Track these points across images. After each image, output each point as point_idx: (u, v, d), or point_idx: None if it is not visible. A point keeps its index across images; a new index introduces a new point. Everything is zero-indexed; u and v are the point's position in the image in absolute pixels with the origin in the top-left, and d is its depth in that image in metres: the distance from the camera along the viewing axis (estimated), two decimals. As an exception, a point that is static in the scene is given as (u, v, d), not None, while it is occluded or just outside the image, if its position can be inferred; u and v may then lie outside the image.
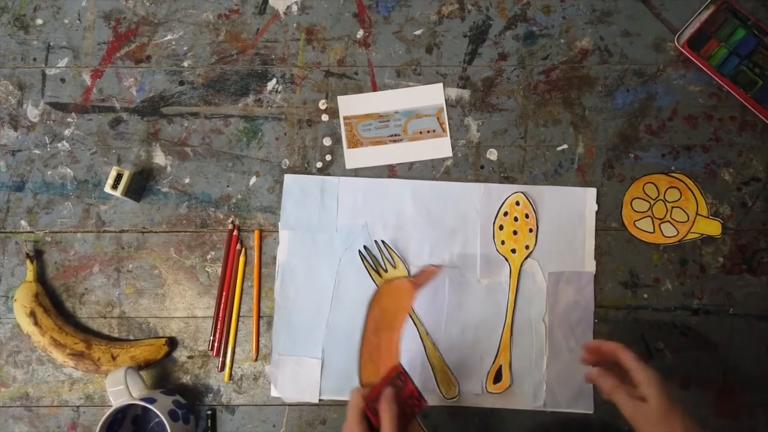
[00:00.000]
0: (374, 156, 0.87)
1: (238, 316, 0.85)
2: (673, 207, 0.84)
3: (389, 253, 0.84)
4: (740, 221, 0.85)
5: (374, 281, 0.84)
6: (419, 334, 0.84)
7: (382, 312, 0.81)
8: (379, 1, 0.89)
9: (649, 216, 0.84)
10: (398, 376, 0.72)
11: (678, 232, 0.84)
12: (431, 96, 0.88)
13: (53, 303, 0.85)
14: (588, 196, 0.86)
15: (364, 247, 0.85)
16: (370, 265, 0.84)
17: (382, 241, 0.85)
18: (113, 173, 0.82)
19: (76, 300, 0.86)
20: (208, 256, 0.86)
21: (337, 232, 0.86)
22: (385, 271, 0.84)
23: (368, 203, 0.86)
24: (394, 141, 0.88)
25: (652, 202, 0.84)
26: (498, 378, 0.83)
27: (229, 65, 0.89)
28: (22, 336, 0.84)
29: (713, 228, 0.84)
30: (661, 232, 0.84)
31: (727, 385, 0.83)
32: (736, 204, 0.86)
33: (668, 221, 0.84)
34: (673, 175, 0.85)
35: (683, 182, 0.85)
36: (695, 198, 0.84)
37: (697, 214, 0.83)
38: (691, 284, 0.85)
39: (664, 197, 0.84)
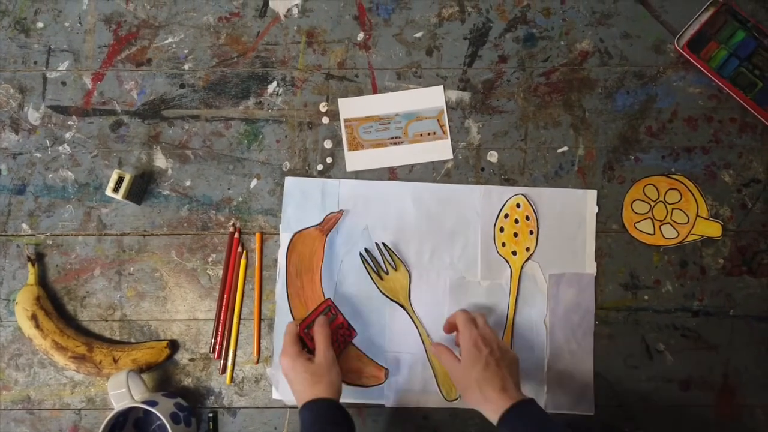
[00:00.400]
0: (375, 158, 0.88)
1: (240, 318, 0.85)
2: (673, 209, 0.84)
3: (390, 255, 0.85)
4: (740, 223, 0.86)
5: (375, 284, 0.84)
6: (420, 335, 0.84)
7: (299, 257, 0.84)
8: (379, 3, 0.90)
9: (650, 218, 0.84)
10: (329, 309, 0.81)
11: (678, 234, 0.84)
12: (431, 98, 0.88)
13: (54, 306, 0.85)
14: (588, 198, 0.86)
15: (365, 249, 0.85)
16: (371, 268, 0.84)
17: (383, 244, 0.85)
18: (114, 176, 0.82)
19: (78, 303, 0.86)
20: (209, 259, 0.86)
21: (337, 234, 0.86)
22: (386, 273, 0.84)
23: (369, 206, 0.86)
24: (395, 143, 0.88)
25: (653, 203, 0.84)
26: (499, 380, 0.83)
27: (230, 68, 0.89)
28: (24, 339, 0.84)
29: (713, 230, 0.84)
30: (662, 233, 0.84)
31: (727, 386, 0.83)
32: (736, 205, 0.86)
33: (668, 223, 0.84)
34: (674, 176, 0.85)
35: (683, 184, 0.85)
36: (695, 200, 0.84)
37: (697, 215, 0.84)
38: (691, 286, 0.85)
39: (665, 199, 0.84)
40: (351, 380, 0.82)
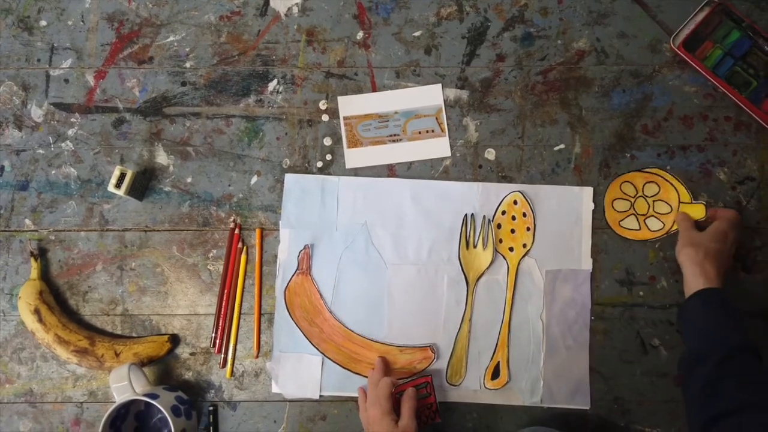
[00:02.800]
0: (374, 156, 0.89)
1: (240, 313, 0.86)
2: (654, 201, 0.85)
3: (488, 234, 0.85)
4: (735, 220, 0.87)
5: (459, 250, 0.85)
6: (463, 316, 0.85)
7: (302, 308, 0.86)
8: (378, 3, 0.91)
9: (633, 213, 0.85)
10: (425, 385, 0.80)
11: (664, 225, 0.85)
12: (430, 96, 0.89)
13: (57, 301, 0.86)
14: (585, 195, 0.87)
15: (472, 215, 0.86)
16: (465, 234, 0.85)
17: (489, 220, 0.86)
18: (116, 172, 0.83)
19: (80, 298, 0.87)
20: (210, 255, 0.87)
21: (337, 230, 0.87)
22: (475, 246, 0.85)
23: (368, 202, 0.87)
24: (394, 141, 0.89)
25: (633, 199, 0.86)
26: (496, 374, 0.84)
27: (231, 66, 0.90)
28: (27, 333, 0.85)
29: (698, 211, 0.85)
30: (647, 227, 0.85)
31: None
32: (730, 203, 0.87)
33: (652, 215, 0.85)
34: (647, 171, 0.86)
35: (659, 175, 0.86)
36: (674, 188, 0.85)
37: (679, 202, 0.85)
38: (686, 282, 0.86)
39: (643, 193, 0.86)
40: (405, 374, 0.84)
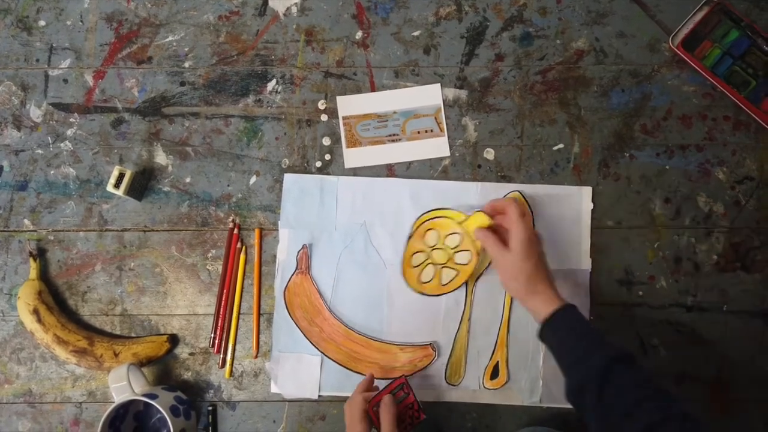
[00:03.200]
0: (373, 155, 0.89)
1: (239, 313, 0.86)
2: (444, 241, 0.84)
3: None
4: (734, 219, 0.87)
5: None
6: (462, 316, 0.85)
7: (302, 308, 0.86)
8: (377, 2, 0.91)
9: (431, 264, 0.85)
10: (401, 387, 0.78)
11: (470, 252, 0.83)
12: (429, 96, 0.89)
13: (56, 301, 0.86)
14: (584, 195, 0.87)
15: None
16: None
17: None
18: (115, 172, 0.83)
19: (79, 298, 0.87)
20: (209, 255, 0.87)
21: (336, 230, 0.87)
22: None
23: (367, 202, 0.87)
24: (393, 141, 0.89)
25: (428, 258, 0.85)
26: (495, 374, 0.84)
27: (230, 66, 0.90)
28: (26, 333, 0.85)
29: (481, 219, 0.81)
30: (457, 261, 0.84)
31: (720, 381, 0.84)
32: (729, 202, 0.87)
33: (456, 253, 0.84)
34: (415, 228, 0.85)
35: (428, 220, 0.85)
36: (447, 217, 0.84)
37: (459, 224, 0.84)
38: (685, 282, 0.86)
39: (429, 245, 0.85)
40: (406, 372, 0.84)
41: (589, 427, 0.65)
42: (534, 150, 0.88)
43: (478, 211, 0.82)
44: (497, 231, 0.80)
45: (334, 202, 0.88)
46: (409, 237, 0.86)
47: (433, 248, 0.85)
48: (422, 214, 0.86)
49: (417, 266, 0.85)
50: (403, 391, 0.78)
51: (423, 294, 0.85)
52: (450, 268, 0.84)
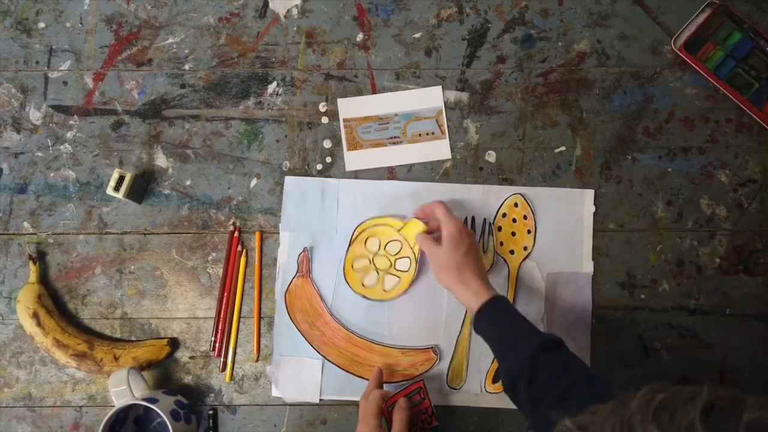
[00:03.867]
0: (374, 158, 0.88)
1: (239, 316, 0.86)
2: (385, 248, 0.85)
3: (488, 238, 0.85)
4: (736, 222, 0.86)
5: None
6: (464, 319, 0.85)
7: (303, 312, 0.85)
8: (378, 4, 0.90)
9: (374, 270, 0.85)
10: (418, 391, 0.79)
11: (410, 259, 0.84)
12: (430, 98, 0.89)
13: (56, 304, 0.85)
14: (586, 198, 0.87)
15: (472, 218, 0.85)
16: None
17: (489, 224, 0.86)
18: (115, 175, 0.82)
19: (79, 301, 0.86)
20: (210, 258, 0.87)
21: (337, 233, 0.87)
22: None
23: (368, 205, 0.87)
24: (394, 143, 0.88)
25: (371, 263, 0.85)
26: (497, 378, 0.84)
27: (230, 68, 0.90)
28: (25, 337, 0.85)
29: (417, 226, 0.83)
30: (397, 268, 0.85)
31: (723, 385, 0.83)
32: (732, 205, 0.87)
33: (397, 259, 0.84)
34: (356, 235, 0.85)
35: (368, 228, 0.85)
36: (386, 225, 0.84)
37: (398, 231, 0.84)
38: (687, 285, 0.86)
39: (371, 251, 0.85)
40: (407, 376, 0.84)
41: (526, 417, 0.67)
42: (536, 152, 0.88)
43: (413, 218, 0.84)
44: (432, 232, 0.83)
45: (335, 204, 0.87)
46: (350, 243, 0.85)
47: (375, 255, 0.85)
48: (362, 222, 0.86)
49: (359, 270, 0.85)
50: (420, 396, 0.79)
51: (365, 297, 0.85)
52: (392, 274, 0.85)
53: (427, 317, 0.85)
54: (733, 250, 0.86)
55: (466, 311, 0.85)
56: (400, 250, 0.84)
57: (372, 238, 0.85)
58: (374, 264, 0.85)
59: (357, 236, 0.85)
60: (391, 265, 0.85)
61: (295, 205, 0.87)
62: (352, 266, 0.85)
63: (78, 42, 0.90)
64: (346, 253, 0.86)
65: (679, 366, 0.84)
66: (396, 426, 0.74)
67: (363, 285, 0.85)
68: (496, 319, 0.73)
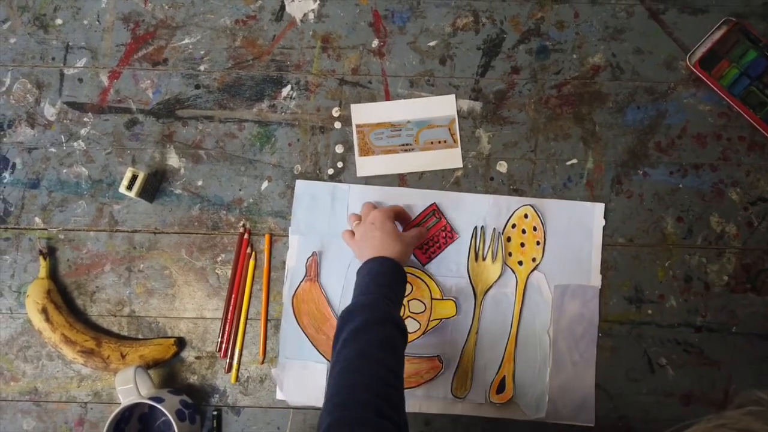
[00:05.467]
0: (385, 164, 0.88)
1: (246, 318, 0.86)
2: (408, 301, 0.84)
3: (497, 247, 0.85)
4: (746, 241, 0.86)
5: (468, 262, 0.85)
6: (470, 328, 0.85)
7: (310, 316, 0.86)
8: (394, 11, 0.91)
9: None
10: (433, 213, 0.84)
11: (420, 325, 0.84)
12: (443, 107, 0.89)
13: (65, 300, 0.86)
14: (596, 211, 0.87)
15: (482, 227, 0.86)
16: (474, 246, 0.85)
17: (499, 233, 0.86)
18: (128, 174, 0.83)
19: (87, 298, 0.87)
20: (219, 259, 0.87)
21: (346, 238, 0.87)
22: (483, 259, 0.85)
23: (378, 211, 0.87)
24: (406, 150, 0.89)
25: None
26: (501, 388, 0.84)
27: (245, 70, 0.90)
28: (33, 331, 0.85)
29: (449, 309, 0.84)
30: (409, 310, 0.84)
31: (728, 403, 0.84)
32: (742, 223, 0.87)
33: (409, 317, 0.84)
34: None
35: (410, 273, 0.84)
36: (426, 285, 0.84)
37: (432, 299, 0.84)
38: (695, 302, 0.86)
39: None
40: (413, 384, 0.84)
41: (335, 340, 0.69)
42: (547, 164, 0.88)
43: (452, 300, 0.84)
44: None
45: (345, 210, 0.87)
46: None
47: None
48: (410, 266, 0.86)
49: None
50: (435, 217, 0.84)
51: None
52: (411, 317, 0.84)
53: (433, 326, 0.85)
54: (742, 268, 0.86)
55: (473, 321, 0.85)
56: (419, 313, 0.84)
57: (407, 283, 0.85)
58: None
59: None
60: (405, 308, 0.85)
61: (305, 209, 0.88)
62: None
63: (94, 39, 0.91)
64: None
65: (685, 383, 0.84)
66: (412, 232, 0.81)
67: None
68: (375, 269, 0.75)
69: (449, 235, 0.84)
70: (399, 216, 0.84)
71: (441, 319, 0.84)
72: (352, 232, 0.82)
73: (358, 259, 0.80)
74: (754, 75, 0.87)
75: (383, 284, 0.73)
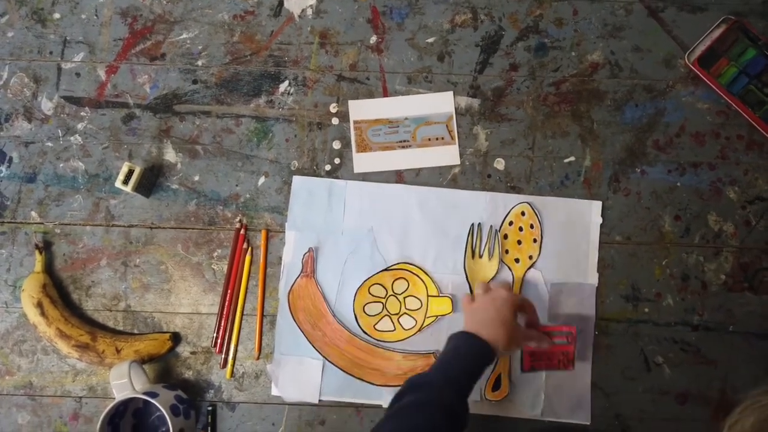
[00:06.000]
0: (382, 161, 0.88)
1: (242, 314, 0.86)
2: (405, 297, 0.84)
3: (494, 244, 0.85)
4: (743, 239, 0.86)
5: (464, 259, 0.85)
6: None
7: (306, 312, 0.85)
8: (393, 7, 0.90)
9: (386, 315, 0.84)
10: (569, 332, 0.80)
11: (416, 322, 0.84)
12: (441, 104, 0.89)
13: (60, 294, 0.86)
14: (593, 209, 0.87)
15: (479, 224, 0.85)
16: (471, 244, 0.85)
17: (497, 231, 0.85)
18: (125, 168, 0.83)
19: (83, 292, 0.87)
20: (215, 254, 0.87)
21: (342, 235, 0.87)
22: (480, 257, 0.85)
23: (375, 208, 0.87)
24: (403, 147, 0.88)
25: (384, 300, 0.84)
26: (497, 386, 0.84)
27: (243, 66, 0.90)
28: (29, 326, 0.85)
29: (445, 306, 0.84)
30: (401, 326, 0.84)
31: (724, 402, 0.84)
32: (740, 222, 0.86)
33: (405, 314, 0.84)
34: (394, 267, 0.85)
35: (406, 270, 0.85)
36: (423, 282, 0.84)
37: (428, 296, 0.84)
38: (692, 300, 0.85)
39: (393, 291, 0.84)
40: None
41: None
42: (545, 162, 0.88)
43: (448, 296, 0.84)
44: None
45: (341, 206, 0.87)
46: (386, 269, 0.85)
47: (392, 295, 0.85)
48: (406, 262, 0.85)
49: (372, 295, 0.85)
50: (567, 338, 0.80)
51: (380, 342, 0.84)
52: (407, 314, 0.84)
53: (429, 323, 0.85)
54: (739, 267, 0.86)
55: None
56: (415, 310, 0.84)
57: (403, 280, 0.85)
58: (386, 303, 0.84)
59: (394, 268, 0.85)
60: (398, 313, 0.84)
61: (301, 204, 0.87)
62: (369, 290, 0.85)
63: (92, 34, 0.91)
64: (375, 274, 0.85)
65: (681, 382, 0.84)
66: (531, 329, 0.78)
67: (376, 329, 0.85)
68: (462, 345, 0.73)
69: (567, 361, 0.80)
70: (524, 308, 0.79)
71: (437, 317, 0.84)
72: (472, 297, 0.79)
73: (465, 325, 0.77)
74: (753, 73, 0.87)
75: (465, 368, 0.71)
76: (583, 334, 0.84)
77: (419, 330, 0.84)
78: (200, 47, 0.90)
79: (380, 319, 0.85)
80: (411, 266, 0.85)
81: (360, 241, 0.86)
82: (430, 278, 0.85)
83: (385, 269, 0.85)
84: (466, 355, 0.72)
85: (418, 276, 0.85)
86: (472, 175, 0.88)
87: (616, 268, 0.86)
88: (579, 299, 0.85)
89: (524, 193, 0.87)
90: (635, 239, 0.86)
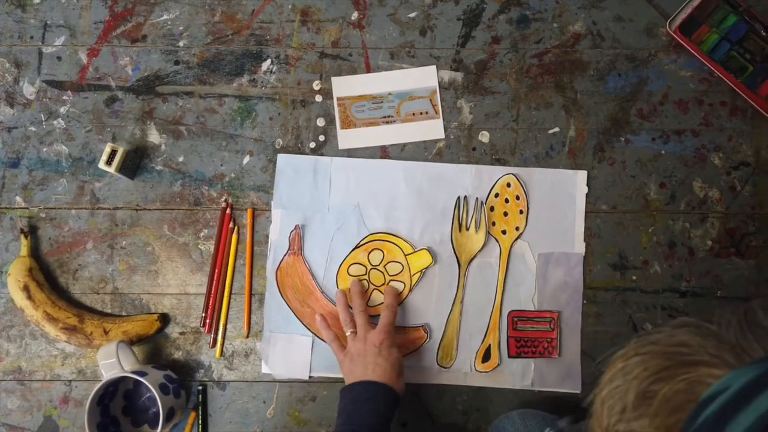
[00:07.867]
0: (367, 137, 0.88)
1: (230, 293, 0.86)
2: (385, 265, 0.84)
3: (480, 216, 0.85)
4: (729, 205, 0.86)
5: (451, 233, 0.85)
6: (455, 298, 0.85)
7: (294, 289, 0.85)
8: (373, -17, 0.90)
9: (375, 289, 0.84)
10: (551, 318, 0.84)
11: (404, 284, 0.84)
12: (424, 78, 0.89)
13: (47, 278, 0.85)
14: (578, 179, 0.87)
15: (465, 197, 0.85)
16: (458, 216, 0.85)
17: (482, 203, 0.85)
18: (107, 149, 0.82)
19: (70, 276, 0.86)
20: (201, 234, 0.87)
21: (329, 211, 0.87)
22: (467, 229, 0.85)
23: (360, 184, 0.87)
24: (387, 122, 0.88)
25: (366, 276, 0.84)
26: (487, 357, 0.84)
27: (224, 45, 0.90)
28: (16, 310, 0.85)
29: (424, 258, 0.84)
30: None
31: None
32: (725, 188, 0.87)
33: (391, 281, 0.84)
34: (363, 243, 0.85)
35: (377, 240, 0.85)
36: (395, 244, 0.84)
37: (405, 255, 0.84)
38: (679, 267, 0.86)
39: (372, 264, 0.84)
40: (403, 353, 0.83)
41: None
42: (529, 133, 0.88)
43: (425, 249, 0.84)
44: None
45: (327, 183, 0.87)
46: (356, 247, 0.85)
47: (373, 268, 0.85)
48: (375, 233, 0.85)
49: (352, 276, 0.85)
50: (550, 326, 0.83)
51: (373, 317, 0.84)
52: (394, 280, 0.85)
53: (417, 296, 0.85)
54: (726, 232, 0.86)
55: (457, 290, 0.84)
56: (399, 273, 0.84)
57: (377, 251, 0.85)
58: (369, 277, 0.85)
59: (364, 243, 0.85)
60: (383, 283, 0.85)
61: (287, 182, 0.87)
62: (348, 271, 0.85)
63: (73, 17, 0.90)
64: (345, 257, 0.85)
65: (670, 347, 0.84)
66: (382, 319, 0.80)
67: (369, 306, 0.84)
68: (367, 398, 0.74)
69: (552, 348, 0.83)
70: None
71: (422, 270, 0.84)
72: (341, 343, 0.80)
73: (342, 374, 0.78)
74: (735, 40, 0.87)
75: (372, 410, 0.73)
76: (571, 303, 0.84)
77: (410, 290, 0.84)
78: (181, 28, 0.90)
79: (369, 296, 0.85)
80: (378, 234, 0.85)
81: (347, 217, 0.86)
82: (400, 238, 0.85)
83: (355, 247, 0.85)
84: (368, 400, 0.73)
85: (388, 241, 0.85)
86: (457, 148, 0.88)
87: (602, 237, 0.86)
88: (566, 269, 0.85)
89: (509, 165, 0.87)
90: (621, 208, 0.87)
